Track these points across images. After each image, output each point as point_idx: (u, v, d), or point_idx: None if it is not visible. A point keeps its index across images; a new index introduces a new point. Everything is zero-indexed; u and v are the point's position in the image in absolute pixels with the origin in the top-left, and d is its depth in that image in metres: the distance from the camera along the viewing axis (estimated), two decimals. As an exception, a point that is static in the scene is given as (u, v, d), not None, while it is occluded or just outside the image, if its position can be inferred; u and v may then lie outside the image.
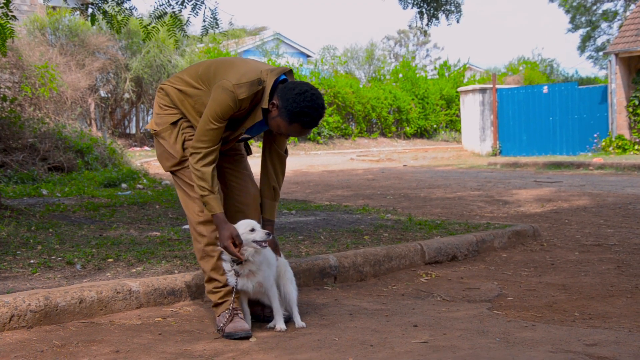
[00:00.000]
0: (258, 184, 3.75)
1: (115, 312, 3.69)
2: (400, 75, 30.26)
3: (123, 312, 3.71)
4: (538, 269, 5.13)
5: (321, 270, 4.54)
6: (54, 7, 21.71)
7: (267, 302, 3.53)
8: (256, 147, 21.01)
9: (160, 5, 6.86)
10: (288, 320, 3.56)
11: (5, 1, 6.36)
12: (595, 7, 37.91)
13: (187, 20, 6.95)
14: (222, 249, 3.39)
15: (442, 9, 9.13)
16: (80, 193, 9.06)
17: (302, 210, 7.58)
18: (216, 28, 6.95)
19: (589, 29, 38.95)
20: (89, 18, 7.32)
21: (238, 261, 3.39)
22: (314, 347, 3.15)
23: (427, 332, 3.37)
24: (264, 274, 3.43)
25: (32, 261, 4.48)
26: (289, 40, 35.85)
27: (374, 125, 28.60)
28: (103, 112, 23.70)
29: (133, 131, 25.10)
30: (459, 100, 26.94)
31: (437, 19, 9.22)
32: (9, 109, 11.97)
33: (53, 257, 4.62)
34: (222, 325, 3.39)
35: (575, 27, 39.16)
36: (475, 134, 22.36)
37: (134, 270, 4.31)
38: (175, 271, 4.28)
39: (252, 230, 3.39)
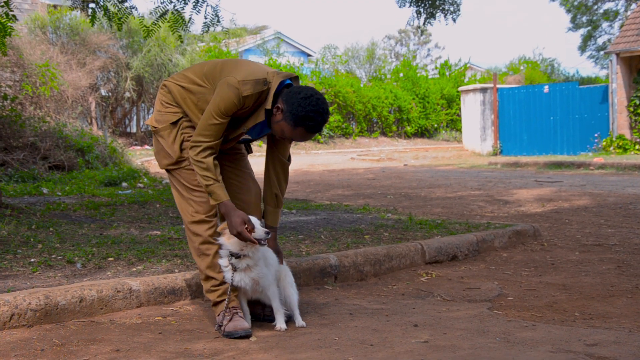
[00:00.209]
0: (260, 185, 3.76)
1: (116, 311, 3.69)
2: (401, 74, 30.27)
3: (123, 311, 3.71)
4: (538, 269, 5.13)
5: (322, 269, 4.54)
6: (55, 6, 21.72)
7: (268, 301, 3.53)
8: (256, 146, 21.03)
9: (162, 3, 6.86)
10: (289, 319, 3.56)
11: (5, 0, 6.36)
12: (596, 7, 37.87)
13: (190, 19, 6.94)
14: (235, 237, 3.36)
15: (440, 8, 9.12)
16: (81, 192, 9.06)
17: (302, 209, 7.58)
18: (217, 25, 6.95)
19: (589, 28, 38.92)
20: (89, 17, 7.31)
21: (236, 255, 3.40)
22: (314, 347, 3.15)
23: (428, 331, 3.37)
24: (260, 271, 3.43)
25: (32, 260, 4.48)
26: (289, 40, 35.84)
27: (374, 125, 28.60)
28: (104, 111, 23.70)
29: (134, 130, 25.10)
30: (459, 99, 26.94)
31: (434, 18, 9.20)
32: (9, 107, 11.98)
33: (53, 256, 4.62)
34: (221, 323, 3.39)
35: (576, 27, 39.13)
36: (476, 134, 22.36)
37: (134, 269, 4.31)
38: (176, 270, 4.28)
39: (255, 228, 3.40)
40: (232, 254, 3.41)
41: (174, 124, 3.55)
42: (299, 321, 3.54)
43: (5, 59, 12.86)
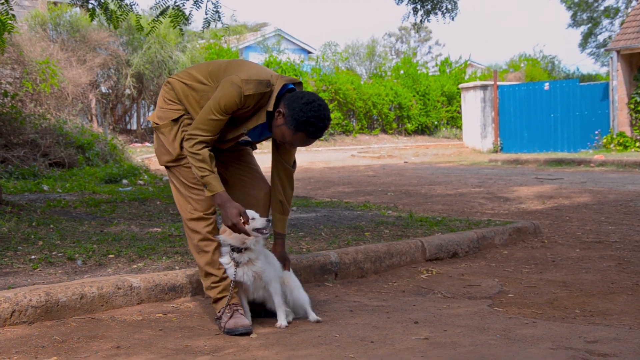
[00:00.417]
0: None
1: (116, 308, 3.69)
2: (402, 71, 30.25)
3: (124, 308, 3.71)
4: (539, 266, 5.13)
5: (322, 266, 4.54)
6: (55, 3, 21.70)
7: (270, 301, 3.53)
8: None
9: None
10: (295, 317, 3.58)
11: (5, -1, 6.36)
12: (596, 4, 37.85)
13: (190, 14, 6.94)
14: (229, 228, 3.37)
15: (438, 6, 9.11)
16: (81, 189, 9.06)
17: (303, 206, 7.58)
18: (218, 21, 6.95)
19: (590, 25, 38.89)
20: (89, 14, 7.30)
21: (237, 249, 3.40)
22: (315, 344, 3.15)
23: (428, 328, 3.37)
24: (262, 264, 3.44)
25: (33, 257, 4.49)
26: (290, 37, 35.81)
27: (375, 122, 28.59)
28: (104, 108, 23.70)
29: (134, 127, 25.11)
30: (460, 97, 26.91)
31: (432, 15, 9.20)
32: (10, 104, 11.97)
33: (54, 253, 4.63)
34: (221, 319, 3.39)
35: (577, 24, 39.10)
36: (476, 131, 22.35)
37: (134, 266, 4.31)
38: (176, 267, 4.28)
39: (252, 219, 3.41)
40: (233, 249, 3.42)
41: (175, 121, 3.55)
42: (314, 316, 3.54)
43: (6, 55, 12.85)
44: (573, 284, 4.53)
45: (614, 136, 19.01)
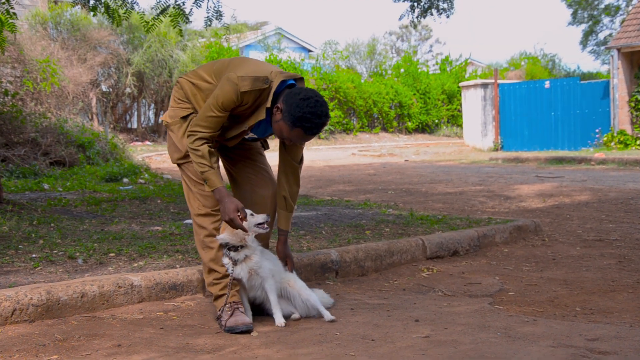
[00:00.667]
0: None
1: (117, 307, 3.69)
2: (402, 70, 30.24)
3: (125, 307, 3.71)
4: (539, 264, 5.13)
5: (323, 265, 4.55)
6: (55, 1, 21.69)
7: (269, 304, 3.54)
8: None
9: None
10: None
11: (5, -2, 6.35)
12: (597, 2, 37.82)
13: (191, 11, 6.94)
14: (226, 223, 3.39)
15: (434, 5, 9.15)
16: (82, 187, 9.07)
17: (303, 205, 7.58)
18: (219, 19, 6.95)
19: (591, 23, 38.87)
20: (90, 10, 7.29)
21: (234, 248, 3.42)
22: (316, 342, 3.15)
23: (429, 326, 3.38)
24: (258, 260, 3.45)
25: (34, 255, 4.49)
26: (290, 35, 35.80)
27: (375, 120, 28.58)
28: (104, 107, 23.70)
29: (134, 126, 25.11)
30: (460, 95, 26.90)
31: (428, 14, 9.23)
32: (10, 103, 11.97)
33: (55, 252, 4.63)
34: (221, 317, 3.40)
35: (578, 22, 39.08)
36: (477, 129, 22.34)
37: (135, 264, 4.32)
38: (177, 266, 4.28)
39: (252, 214, 3.43)
40: (229, 248, 3.43)
41: (184, 118, 3.61)
42: (328, 316, 3.52)
43: (6, 54, 12.84)
44: (573, 282, 4.53)
45: (615, 134, 19.00)
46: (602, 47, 37.65)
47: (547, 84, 21.23)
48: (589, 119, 20.14)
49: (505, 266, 5.08)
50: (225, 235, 3.43)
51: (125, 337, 3.22)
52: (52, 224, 5.82)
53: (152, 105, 25.29)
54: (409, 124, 28.71)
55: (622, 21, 23.54)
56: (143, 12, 7.26)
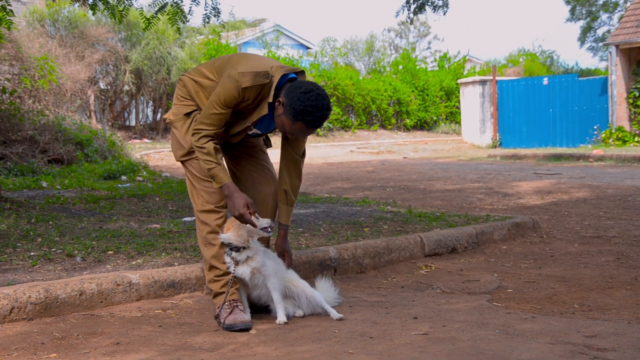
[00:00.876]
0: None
1: (116, 304, 3.69)
2: (400, 67, 30.21)
3: (123, 304, 3.71)
4: (538, 261, 5.13)
5: (321, 262, 4.55)
6: (53, -1, 21.63)
7: (272, 304, 3.54)
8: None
9: None
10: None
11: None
12: (595, -2, 37.84)
13: (190, 10, 6.93)
14: (236, 219, 3.40)
15: (429, 2, 9.19)
16: (80, 185, 9.06)
17: (302, 202, 7.58)
18: (217, 16, 6.95)
19: (589, 19, 38.87)
20: (90, 8, 7.28)
21: (236, 249, 3.42)
22: (314, 339, 3.15)
23: (427, 324, 3.38)
24: (260, 259, 3.45)
25: (32, 253, 4.49)
26: (288, 32, 35.77)
27: (373, 117, 28.57)
28: (103, 104, 23.66)
29: (133, 123, 25.06)
30: (459, 92, 26.91)
31: (423, 11, 9.27)
32: (8, 101, 11.96)
33: (53, 250, 4.63)
34: (220, 314, 3.40)
35: (576, 19, 39.07)
36: (475, 126, 22.34)
37: (134, 262, 4.31)
38: (175, 263, 4.28)
39: (256, 218, 3.45)
40: (231, 248, 3.43)
41: (188, 115, 3.63)
42: (335, 314, 3.52)
43: (4, 52, 12.83)
44: (572, 279, 4.53)
45: (613, 131, 19.01)
46: (600, 44, 37.68)
47: (545, 81, 21.22)
48: (587, 116, 20.15)
49: (504, 263, 5.08)
50: (230, 235, 3.43)
51: (123, 335, 3.22)
52: (51, 222, 5.82)
53: (151, 103, 25.26)
54: (408, 121, 28.70)
55: (621, 17, 23.55)
56: (142, 9, 7.25)
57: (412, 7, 9.32)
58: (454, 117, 29.76)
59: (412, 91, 28.93)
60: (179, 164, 3.74)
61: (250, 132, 3.67)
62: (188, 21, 7.33)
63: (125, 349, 3.03)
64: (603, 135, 19.16)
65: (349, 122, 27.37)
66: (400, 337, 3.15)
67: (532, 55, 35.64)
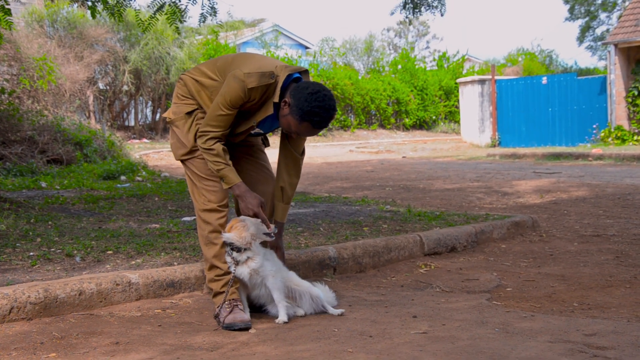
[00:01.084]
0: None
1: (115, 304, 3.69)
2: (399, 66, 30.21)
3: (122, 304, 3.71)
4: (537, 260, 5.13)
5: (320, 261, 4.55)
6: (52, -1, 21.62)
7: (272, 306, 3.54)
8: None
9: None
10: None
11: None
12: (594, -3, 37.85)
13: (186, 8, 6.94)
14: (248, 217, 3.43)
15: (425, 2, 9.20)
16: (79, 185, 9.05)
17: (301, 201, 7.58)
18: (214, 16, 6.95)
19: (587, 19, 38.88)
20: (89, 9, 7.28)
21: (237, 249, 3.42)
22: (313, 338, 3.15)
23: (426, 322, 3.38)
24: (260, 260, 3.46)
25: (31, 253, 4.48)
26: (287, 32, 35.76)
27: (372, 117, 28.57)
28: (102, 105, 23.66)
29: (132, 123, 25.07)
30: (458, 91, 26.91)
31: (419, 12, 9.28)
32: (7, 101, 11.95)
33: (52, 250, 4.62)
34: (220, 314, 3.40)
35: (574, 18, 39.08)
36: (474, 125, 22.34)
37: (133, 262, 4.31)
38: (175, 263, 4.28)
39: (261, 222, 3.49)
40: (233, 248, 3.44)
41: (189, 114, 3.63)
42: (335, 311, 3.56)
43: (3, 52, 12.82)
44: (571, 277, 4.54)
45: (612, 130, 19.02)
46: (599, 43, 37.70)
47: (544, 80, 21.23)
48: (586, 115, 20.16)
49: (503, 262, 5.08)
50: (232, 235, 3.43)
51: (123, 335, 3.22)
52: (50, 222, 5.82)
53: (150, 103, 25.25)
54: (407, 120, 28.70)
55: (619, 17, 23.56)
56: (139, 9, 7.25)
57: (408, 7, 9.34)
58: (453, 116, 29.76)
59: (411, 91, 28.93)
60: (178, 163, 3.75)
61: (252, 132, 3.68)
62: (186, 21, 7.34)
63: (125, 349, 3.03)
64: (602, 134, 19.17)
65: (348, 121, 27.38)
66: (400, 336, 3.16)
67: (531, 54, 35.64)
